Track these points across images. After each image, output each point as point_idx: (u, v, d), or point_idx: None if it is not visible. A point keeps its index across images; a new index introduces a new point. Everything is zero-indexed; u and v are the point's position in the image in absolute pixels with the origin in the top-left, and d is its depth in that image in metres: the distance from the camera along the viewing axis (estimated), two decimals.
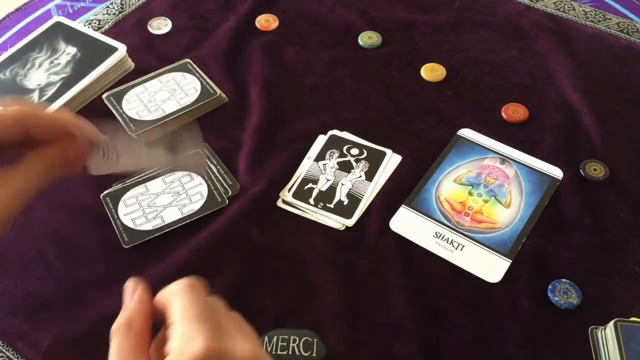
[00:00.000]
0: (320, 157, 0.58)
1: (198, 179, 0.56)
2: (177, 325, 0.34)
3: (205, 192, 0.55)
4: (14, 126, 0.37)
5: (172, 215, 0.53)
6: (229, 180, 0.55)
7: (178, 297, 0.35)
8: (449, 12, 0.73)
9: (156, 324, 0.35)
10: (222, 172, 0.56)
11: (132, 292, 0.38)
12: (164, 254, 0.51)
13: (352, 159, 0.58)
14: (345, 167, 0.58)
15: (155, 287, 0.43)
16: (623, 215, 0.54)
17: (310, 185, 0.56)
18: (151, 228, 0.53)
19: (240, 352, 0.33)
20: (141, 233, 0.52)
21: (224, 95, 0.58)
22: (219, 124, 0.62)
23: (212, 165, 0.56)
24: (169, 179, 0.56)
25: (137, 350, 0.34)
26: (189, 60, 0.60)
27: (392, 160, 0.58)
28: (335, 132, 0.60)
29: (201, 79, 0.60)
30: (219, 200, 0.54)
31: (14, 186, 0.39)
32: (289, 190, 0.56)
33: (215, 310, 0.36)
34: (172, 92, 0.60)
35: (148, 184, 0.55)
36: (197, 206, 0.54)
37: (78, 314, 0.48)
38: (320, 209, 0.54)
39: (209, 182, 0.55)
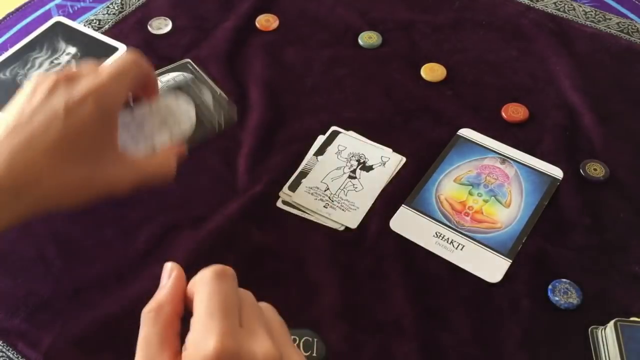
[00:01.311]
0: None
1: (184, 98, 0.54)
2: (197, 318, 0.32)
3: (192, 115, 0.53)
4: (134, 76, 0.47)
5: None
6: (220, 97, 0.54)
7: (203, 287, 0.33)
8: (449, 12, 0.73)
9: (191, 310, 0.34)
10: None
11: (168, 276, 0.36)
12: (164, 253, 0.51)
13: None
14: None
15: (155, 287, 0.43)
16: (623, 215, 0.54)
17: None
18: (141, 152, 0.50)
19: (261, 352, 0.32)
20: None
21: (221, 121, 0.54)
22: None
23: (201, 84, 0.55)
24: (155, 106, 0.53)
25: (164, 340, 0.33)
26: (189, 60, 0.60)
27: (392, 160, 0.58)
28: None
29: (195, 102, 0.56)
30: (209, 127, 0.53)
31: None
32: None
33: (241, 302, 0.34)
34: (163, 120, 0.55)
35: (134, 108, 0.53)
36: (185, 126, 0.52)
37: (78, 314, 0.48)
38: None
39: (197, 106, 0.54)
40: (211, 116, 0.54)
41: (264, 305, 0.36)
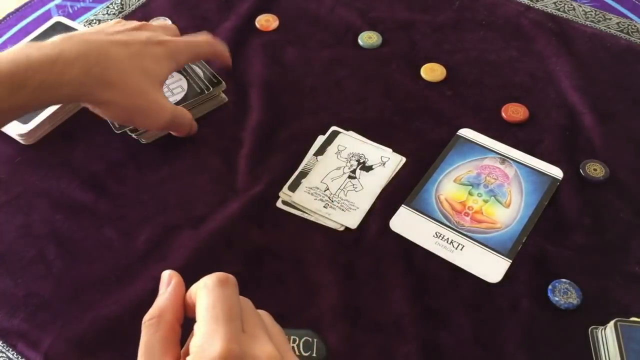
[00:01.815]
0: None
1: (177, 75, 0.63)
2: (200, 323, 0.33)
3: (185, 85, 0.61)
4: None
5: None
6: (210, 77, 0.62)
7: (206, 293, 0.34)
8: (449, 12, 0.73)
9: (191, 318, 0.34)
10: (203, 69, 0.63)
11: (166, 284, 0.37)
12: (164, 254, 0.51)
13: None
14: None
15: (155, 287, 0.43)
16: (623, 215, 0.54)
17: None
18: None
19: (264, 354, 0.32)
20: None
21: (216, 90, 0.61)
22: (219, 124, 0.62)
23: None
24: None
25: (166, 346, 0.34)
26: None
27: (392, 160, 0.58)
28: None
29: (188, 77, 0.63)
30: (198, 91, 0.60)
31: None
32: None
33: (242, 309, 0.35)
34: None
35: None
36: (178, 97, 0.60)
37: (78, 314, 0.48)
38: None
39: (188, 77, 0.62)
40: (203, 85, 0.61)
41: (262, 312, 0.37)
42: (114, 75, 0.50)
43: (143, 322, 0.35)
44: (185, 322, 0.35)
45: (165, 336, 0.34)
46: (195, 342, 0.32)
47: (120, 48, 0.51)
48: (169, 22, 0.72)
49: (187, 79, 0.63)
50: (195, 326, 0.33)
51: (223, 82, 0.62)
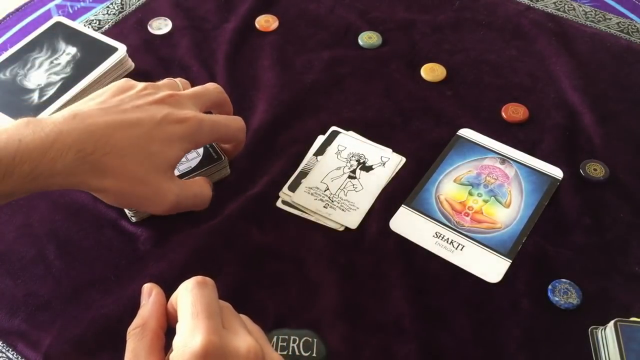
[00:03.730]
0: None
1: None
2: (181, 321, 0.35)
3: (201, 150, 0.56)
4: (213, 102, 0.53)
5: None
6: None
7: (186, 294, 0.36)
8: (449, 12, 0.73)
9: (174, 328, 0.36)
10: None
11: (147, 295, 0.39)
12: (164, 254, 0.51)
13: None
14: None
15: None
16: (623, 215, 0.54)
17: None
18: None
19: (244, 346, 0.34)
20: None
21: (227, 162, 0.56)
22: None
23: None
24: None
25: (151, 351, 0.35)
26: None
27: (392, 161, 0.58)
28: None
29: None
30: (215, 156, 0.56)
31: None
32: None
33: (222, 309, 0.37)
34: None
35: None
36: (193, 163, 0.55)
37: (78, 314, 0.48)
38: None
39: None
40: (218, 151, 0.56)
41: (242, 315, 0.39)
42: (111, 163, 0.44)
43: (128, 332, 0.37)
44: (170, 333, 0.36)
45: (150, 344, 0.36)
46: (178, 338, 0.33)
47: (127, 130, 0.45)
48: (169, 22, 0.72)
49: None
50: (177, 325, 0.35)
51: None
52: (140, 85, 0.50)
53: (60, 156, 0.42)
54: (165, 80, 0.53)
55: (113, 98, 0.48)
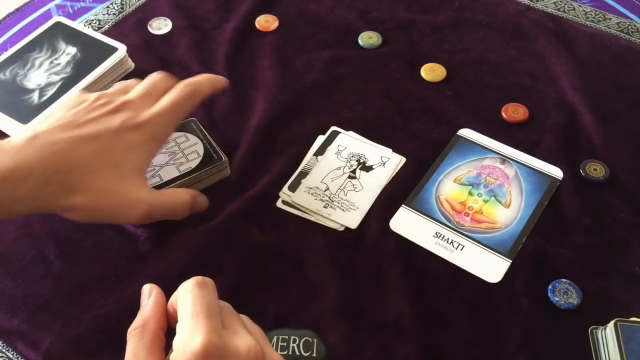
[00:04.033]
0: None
1: (194, 139, 0.58)
2: (181, 321, 0.35)
3: (201, 151, 0.56)
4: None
5: (170, 173, 0.55)
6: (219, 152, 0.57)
7: (186, 295, 0.36)
8: (449, 12, 0.73)
9: (174, 328, 0.36)
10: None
11: (147, 296, 0.39)
12: (164, 254, 0.51)
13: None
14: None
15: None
16: (623, 215, 0.54)
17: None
18: (150, 186, 0.53)
19: (244, 346, 0.34)
20: None
21: (227, 162, 0.56)
22: (219, 125, 0.62)
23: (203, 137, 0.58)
24: None
25: (151, 352, 0.35)
26: (194, 119, 0.59)
27: (392, 161, 0.58)
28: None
29: (205, 140, 0.57)
30: (215, 157, 0.56)
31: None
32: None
33: (221, 309, 0.37)
34: (172, 155, 0.56)
35: None
36: (193, 164, 0.55)
37: (78, 314, 0.48)
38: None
39: (205, 141, 0.57)
40: (218, 151, 0.56)
41: (242, 315, 0.39)
42: (76, 180, 0.44)
43: (128, 332, 0.37)
44: (170, 333, 0.36)
45: (150, 344, 0.36)
46: (178, 338, 0.34)
47: (86, 145, 0.45)
48: (169, 22, 0.72)
49: (203, 143, 0.57)
50: (177, 325, 0.35)
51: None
52: (93, 96, 0.49)
53: (21, 182, 0.42)
54: (117, 85, 0.52)
55: (68, 113, 0.47)
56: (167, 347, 0.36)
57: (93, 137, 0.45)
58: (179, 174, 0.55)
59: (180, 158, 0.56)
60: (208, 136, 0.58)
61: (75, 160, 0.44)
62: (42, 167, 0.43)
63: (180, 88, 0.51)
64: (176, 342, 0.34)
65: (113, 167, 0.46)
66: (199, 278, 0.37)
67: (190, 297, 0.35)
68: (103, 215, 0.47)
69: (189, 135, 0.57)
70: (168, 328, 0.38)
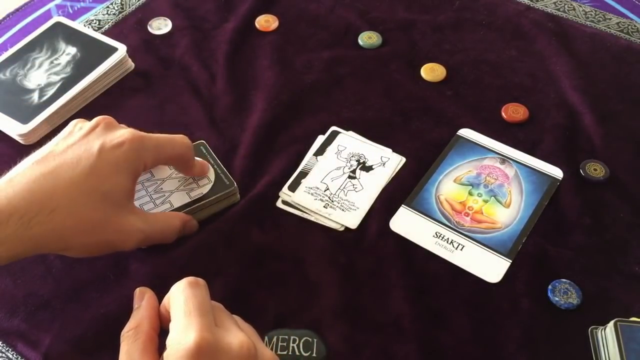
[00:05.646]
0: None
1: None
2: (174, 320, 0.35)
3: (212, 177, 0.54)
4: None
5: (180, 199, 0.53)
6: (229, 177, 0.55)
7: (178, 294, 0.36)
8: (449, 12, 0.73)
9: (167, 330, 0.36)
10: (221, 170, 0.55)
11: (140, 299, 0.40)
12: (164, 254, 0.51)
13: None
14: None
15: (154, 287, 0.43)
16: (623, 215, 0.54)
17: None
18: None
19: (236, 342, 0.34)
20: None
21: (236, 188, 0.54)
22: (219, 125, 0.62)
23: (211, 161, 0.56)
24: None
25: (145, 353, 0.36)
26: (203, 142, 0.58)
27: (392, 161, 0.58)
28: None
29: (216, 165, 0.55)
30: (227, 182, 0.54)
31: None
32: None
33: (214, 308, 0.37)
34: (182, 180, 0.54)
35: (153, 170, 0.54)
36: (205, 190, 0.53)
37: (78, 314, 0.48)
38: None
39: (216, 166, 0.55)
40: (229, 178, 0.54)
41: (234, 315, 0.39)
42: (61, 219, 0.41)
43: (122, 334, 0.37)
44: (163, 335, 0.36)
45: (143, 345, 0.36)
46: (171, 336, 0.34)
47: (68, 173, 0.42)
48: (169, 22, 0.72)
49: (214, 168, 0.55)
50: (171, 324, 0.35)
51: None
52: (70, 125, 0.47)
53: (1, 226, 0.39)
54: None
55: (45, 149, 0.45)
56: (161, 348, 0.36)
57: (73, 163, 0.42)
58: (189, 200, 0.53)
59: (191, 183, 0.54)
60: (218, 160, 0.56)
61: (58, 195, 0.41)
62: (23, 210, 0.40)
63: (178, 135, 0.50)
64: (170, 340, 0.34)
65: (101, 196, 0.43)
66: (190, 278, 0.37)
67: (182, 296, 0.36)
68: (100, 249, 0.45)
69: (197, 159, 0.54)
70: (161, 329, 0.38)
